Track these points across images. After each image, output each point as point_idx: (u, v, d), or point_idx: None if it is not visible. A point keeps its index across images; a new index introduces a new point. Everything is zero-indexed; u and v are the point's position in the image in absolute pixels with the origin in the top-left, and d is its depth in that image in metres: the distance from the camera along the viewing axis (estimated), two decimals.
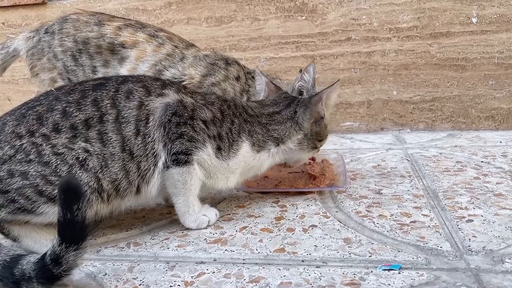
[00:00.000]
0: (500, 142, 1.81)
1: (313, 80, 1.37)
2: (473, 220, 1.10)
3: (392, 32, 2.01)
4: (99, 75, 1.39)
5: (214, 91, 1.38)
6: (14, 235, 1.01)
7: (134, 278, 0.92)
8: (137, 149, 1.02)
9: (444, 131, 2.06)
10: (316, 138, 1.24)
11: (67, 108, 0.98)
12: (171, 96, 1.07)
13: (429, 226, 1.08)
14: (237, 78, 1.48)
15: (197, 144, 1.07)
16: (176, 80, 1.39)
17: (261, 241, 1.05)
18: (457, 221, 1.10)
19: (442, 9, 1.96)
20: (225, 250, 1.02)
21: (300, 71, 1.41)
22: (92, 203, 0.98)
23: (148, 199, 1.11)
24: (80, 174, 0.96)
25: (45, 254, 0.84)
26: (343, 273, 0.89)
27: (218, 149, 1.10)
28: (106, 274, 0.94)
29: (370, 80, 2.07)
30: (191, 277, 0.91)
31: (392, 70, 2.05)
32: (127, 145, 1.01)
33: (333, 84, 1.24)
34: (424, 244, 0.99)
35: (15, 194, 0.93)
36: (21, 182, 0.93)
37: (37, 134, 0.95)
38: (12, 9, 2.25)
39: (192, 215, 1.12)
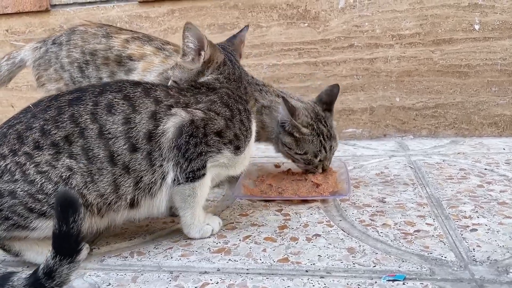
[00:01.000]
0: (504, 149, 1.81)
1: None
2: (477, 229, 1.09)
3: (394, 39, 2.02)
4: None
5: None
6: (15, 251, 1.02)
7: None
8: (137, 165, 1.00)
9: (447, 137, 2.06)
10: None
11: (44, 126, 0.97)
12: (182, 115, 1.04)
13: (433, 235, 1.08)
14: None
15: (213, 155, 1.07)
16: None
17: (264, 250, 1.05)
18: (461, 230, 1.09)
19: (445, 16, 1.96)
20: (229, 259, 1.02)
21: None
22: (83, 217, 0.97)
23: (155, 213, 1.09)
24: None
25: (38, 268, 0.84)
26: (347, 284, 0.89)
27: (237, 148, 1.11)
28: (110, 284, 0.94)
29: (373, 87, 2.08)
30: (195, 287, 0.91)
31: (394, 76, 2.05)
32: (119, 160, 0.99)
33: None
34: (428, 254, 0.99)
35: (7, 212, 0.94)
36: (11, 201, 0.93)
37: (20, 153, 0.95)
38: (16, 16, 2.26)
39: (197, 226, 1.12)
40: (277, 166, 1.67)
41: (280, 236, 1.12)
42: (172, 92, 1.08)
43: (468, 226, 1.11)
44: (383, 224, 1.15)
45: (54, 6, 2.23)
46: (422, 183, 1.45)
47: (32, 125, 0.97)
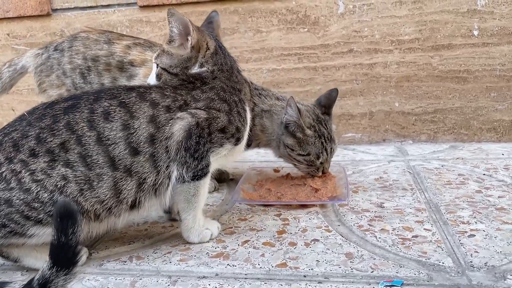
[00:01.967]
0: (502, 154, 1.81)
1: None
2: (475, 235, 1.10)
3: (394, 44, 2.02)
4: None
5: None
6: (14, 257, 1.02)
7: None
8: (139, 167, 1.01)
9: (446, 142, 2.06)
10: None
11: (40, 135, 0.97)
12: (188, 119, 1.05)
13: (431, 241, 1.08)
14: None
15: (215, 149, 1.09)
16: None
17: (263, 255, 1.05)
18: (459, 236, 1.10)
19: (444, 21, 1.97)
20: (227, 264, 1.02)
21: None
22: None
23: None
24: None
25: (32, 279, 0.83)
26: None
27: (237, 139, 1.13)
28: None
29: (372, 92, 2.08)
30: None
31: (394, 82, 2.06)
32: (120, 164, 0.99)
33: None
34: (426, 259, 0.99)
35: (4, 220, 0.94)
36: (8, 209, 0.93)
37: (15, 160, 0.95)
38: (17, 20, 2.27)
39: (196, 230, 1.13)
40: (276, 170, 1.68)
41: (278, 241, 1.12)
42: (167, 92, 1.08)
43: (466, 232, 1.12)
44: (381, 229, 1.16)
45: (55, 10, 2.24)
46: (420, 188, 1.46)
47: (27, 133, 0.97)
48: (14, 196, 0.93)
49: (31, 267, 1.02)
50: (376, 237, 1.12)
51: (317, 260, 1.01)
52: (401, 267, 0.96)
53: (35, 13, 2.23)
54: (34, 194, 0.94)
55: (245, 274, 0.97)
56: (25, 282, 0.84)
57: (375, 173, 1.65)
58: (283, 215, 1.29)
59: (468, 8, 1.95)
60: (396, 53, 2.03)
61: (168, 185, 1.05)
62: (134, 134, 1.01)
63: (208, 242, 1.14)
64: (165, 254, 1.09)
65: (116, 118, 1.01)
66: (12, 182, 0.94)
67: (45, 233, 0.95)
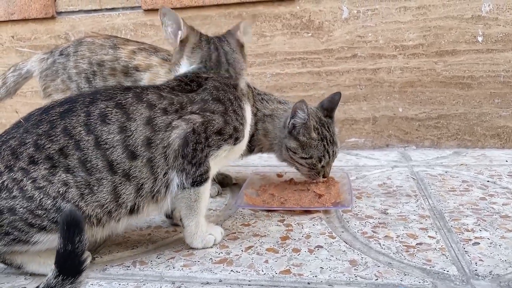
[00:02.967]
0: (506, 161, 1.81)
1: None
2: (479, 243, 1.09)
3: (397, 49, 2.02)
4: None
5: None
6: (17, 264, 1.01)
7: None
8: (137, 172, 1.00)
9: (450, 148, 2.06)
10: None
11: (38, 141, 0.96)
12: (183, 126, 1.04)
13: (435, 248, 1.08)
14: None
15: (213, 152, 1.08)
16: None
17: (266, 261, 1.05)
18: (463, 244, 1.09)
19: (448, 27, 1.97)
20: (231, 270, 1.02)
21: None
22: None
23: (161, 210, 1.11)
24: (64, 206, 0.94)
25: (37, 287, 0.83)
26: None
27: (236, 139, 1.12)
28: None
29: (376, 97, 2.08)
30: None
31: (397, 87, 2.06)
32: (119, 168, 0.99)
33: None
34: (430, 267, 0.99)
35: (8, 228, 0.93)
36: (11, 217, 0.92)
37: (15, 168, 0.94)
38: (21, 22, 2.28)
39: (200, 236, 1.12)
40: (279, 175, 1.68)
41: (282, 247, 1.12)
42: (164, 93, 1.07)
43: (470, 240, 1.11)
44: (385, 236, 1.15)
45: (60, 13, 2.24)
46: (424, 194, 1.45)
47: (25, 140, 0.96)
48: (17, 204, 0.92)
49: (35, 272, 1.02)
50: (380, 244, 1.11)
51: (321, 267, 1.01)
52: (405, 275, 0.96)
53: (39, 16, 2.24)
54: (38, 201, 0.93)
55: (249, 281, 0.97)
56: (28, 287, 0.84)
57: (379, 179, 1.64)
58: (287, 221, 1.29)
59: (472, 14, 1.95)
60: (400, 58, 2.03)
61: (166, 192, 1.05)
62: (131, 137, 1.00)
63: (212, 247, 1.14)
64: (169, 259, 1.09)
65: (113, 120, 1.00)
66: (14, 190, 0.93)
67: (49, 240, 0.95)
